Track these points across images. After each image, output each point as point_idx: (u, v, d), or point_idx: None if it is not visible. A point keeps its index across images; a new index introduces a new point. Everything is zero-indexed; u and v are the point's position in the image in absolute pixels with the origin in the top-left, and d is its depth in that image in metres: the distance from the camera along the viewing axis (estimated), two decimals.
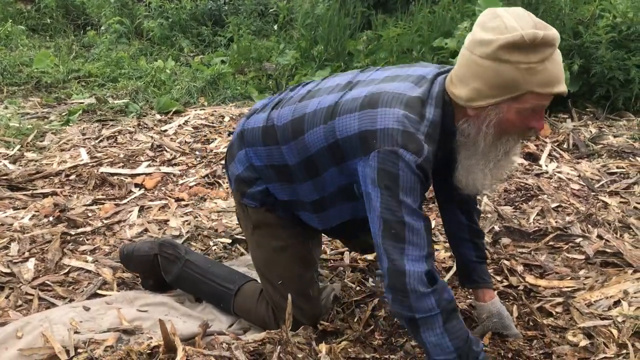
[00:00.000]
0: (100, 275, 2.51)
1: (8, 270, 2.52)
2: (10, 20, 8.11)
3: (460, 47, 4.89)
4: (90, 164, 3.75)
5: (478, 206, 2.16)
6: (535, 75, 1.53)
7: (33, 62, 6.44)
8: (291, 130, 1.85)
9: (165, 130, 4.45)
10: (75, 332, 2.06)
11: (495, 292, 2.18)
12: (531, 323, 2.21)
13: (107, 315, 2.19)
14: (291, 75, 5.60)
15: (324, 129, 1.76)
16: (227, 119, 4.68)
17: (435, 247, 2.80)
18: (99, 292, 2.41)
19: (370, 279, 2.51)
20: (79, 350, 1.96)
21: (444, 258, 2.68)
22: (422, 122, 1.65)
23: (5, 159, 3.88)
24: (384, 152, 1.61)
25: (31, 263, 2.59)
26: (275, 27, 7.05)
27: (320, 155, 1.80)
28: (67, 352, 1.95)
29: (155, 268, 2.31)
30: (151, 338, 2.01)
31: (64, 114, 4.91)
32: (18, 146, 4.10)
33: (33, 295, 2.35)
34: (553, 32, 1.54)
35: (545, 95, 1.58)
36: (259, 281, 2.17)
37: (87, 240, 2.84)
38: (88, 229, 2.94)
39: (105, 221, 3.04)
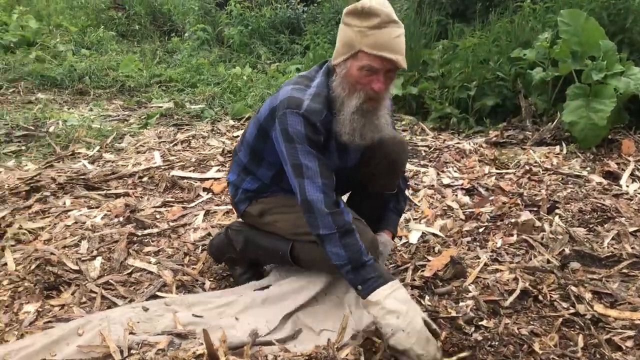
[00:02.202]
0: (161, 277, 2.58)
1: (76, 267, 2.63)
2: (102, 27, 8.56)
3: (539, 58, 4.67)
4: (163, 167, 3.87)
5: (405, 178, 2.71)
6: (365, 37, 2.01)
7: (119, 67, 6.75)
8: (241, 141, 2.47)
9: (237, 136, 4.53)
10: (131, 333, 2.12)
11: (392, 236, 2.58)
12: (598, 355, 2.08)
13: (164, 318, 2.24)
14: None
15: (253, 123, 2.36)
16: None
17: (499, 267, 2.70)
18: (159, 293, 2.47)
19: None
20: (132, 352, 2.01)
21: (507, 280, 2.57)
22: (307, 89, 2.15)
23: (85, 159, 4.08)
24: (279, 117, 2.13)
25: (98, 261, 2.69)
26: None
27: (256, 142, 2.34)
28: (121, 352, 2.01)
29: (229, 244, 2.53)
30: (202, 344, 2.04)
31: (143, 117, 5.10)
32: (97, 147, 4.29)
33: (97, 293, 2.44)
34: (383, 7, 2.01)
35: (374, 57, 2.01)
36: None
37: (153, 241, 2.93)
38: (155, 230, 3.03)
39: (171, 224, 3.13)
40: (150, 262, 2.70)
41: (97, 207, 3.33)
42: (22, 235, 2.97)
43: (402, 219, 3.28)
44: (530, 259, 2.78)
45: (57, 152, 4.22)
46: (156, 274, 2.61)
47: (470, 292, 2.51)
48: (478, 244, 3.01)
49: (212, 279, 2.62)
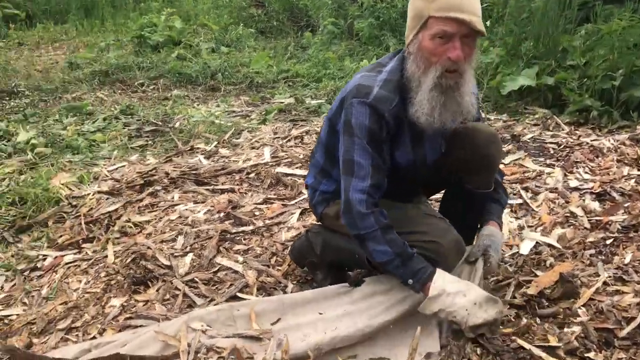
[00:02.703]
0: (245, 277, 2.53)
1: (167, 263, 2.67)
2: (242, 24, 8.86)
3: None
4: (270, 164, 3.86)
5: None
6: (433, 1, 1.88)
7: (251, 63, 6.92)
8: (318, 140, 2.39)
9: None
10: (204, 332, 2.08)
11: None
12: None
13: (241, 319, 2.16)
14: (493, 75, 5.17)
15: (326, 120, 2.26)
16: None
17: (622, 288, 2.31)
18: (239, 294, 2.43)
19: None
20: (198, 355, 1.97)
21: (629, 305, 2.18)
22: (378, 75, 2.04)
23: (201, 154, 4.19)
24: (346, 107, 2.04)
25: (189, 258, 2.71)
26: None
27: (329, 141, 2.24)
28: (189, 353, 1.97)
29: (310, 247, 2.44)
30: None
31: (263, 113, 5.16)
32: (215, 142, 4.39)
33: (180, 291, 2.45)
34: None
35: (444, 20, 1.86)
36: None
37: (245, 239, 2.90)
38: (249, 228, 3.01)
39: (267, 221, 3.08)
40: (237, 261, 2.67)
41: (202, 202, 3.39)
42: (128, 228, 3.09)
43: (515, 226, 2.97)
44: None
45: (178, 147, 4.38)
46: (240, 274, 2.58)
47: (579, 316, 2.16)
48: (602, 258, 2.62)
49: (295, 282, 2.53)
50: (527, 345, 1.97)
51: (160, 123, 4.93)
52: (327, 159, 2.30)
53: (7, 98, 6.03)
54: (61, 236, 3.04)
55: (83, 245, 2.94)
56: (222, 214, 3.19)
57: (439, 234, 2.12)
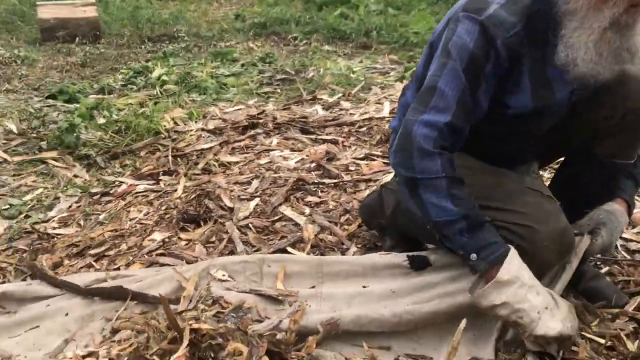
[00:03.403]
0: (301, 232, 2.17)
1: (231, 205, 2.40)
2: None
3: None
4: (387, 119, 3.42)
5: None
6: None
7: (411, 23, 6.46)
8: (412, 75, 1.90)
9: None
10: (223, 281, 1.78)
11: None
12: None
13: (269, 276, 1.83)
14: None
15: (426, 48, 1.74)
16: None
17: None
18: (289, 249, 2.08)
19: None
20: (200, 305, 1.66)
21: None
22: None
23: (321, 104, 3.87)
24: (450, 25, 1.56)
25: (254, 202, 2.42)
26: None
27: (424, 70, 1.68)
28: (191, 300, 1.68)
29: (380, 206, 2.01)
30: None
31: (403, 71, 4.70)
32: (339, 95, 4.05)
33: (227, 234, 2.16)
34: None
35: None
36: None
37: (322, 192, 2.53)
38: (333, 181, 2.62)
39: (358, 176, 2.68)
40: (302, 213, 2.32)
41: (299, 151, 3.07)
42: (213, 166, 2.88)
43: None
44: None
45: (302, 96, 4.11)
46: (300, 227, 2.22)
47: None
48: None
49: (359, 246, 2.11)
50: None
51: (293, 73, 4.70)
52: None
53: (167, 41, 6.23)
54: (146, 166, 2.92)
55: (161, 178, 2.79)
56: (313, 164, 2.84)
57: (539, 218, 1.56)
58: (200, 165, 2.87)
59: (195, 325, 1.32)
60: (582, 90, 1.62)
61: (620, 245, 2.14)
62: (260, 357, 1.08)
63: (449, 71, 1.51)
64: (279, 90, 4.36)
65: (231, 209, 2.37)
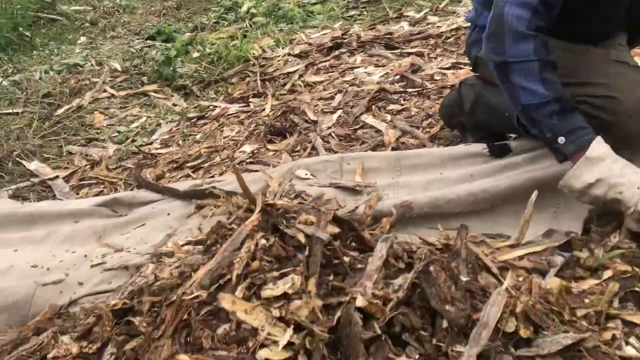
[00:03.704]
0: (382, 137, 2.22)
1: (314, 118, 2.49)
2: None
3: None
4: None
5: None
6: None
7: None
8: None
9: None
10: (306, 179, 1.88)
11: None
12: None
13: (349, 173, 1.91)
14: None
15: None
16: None
17: None
18: (369, 152, 2.14)
19: None
20: (283, 199, 1.77)
21: None
22: None
23: (407, 21, 3.81)
24: None
25: (337, 115, 2.49)
26: None
27: None
28: (275, 195, 1.79)
29: (460, 103, 2.01)
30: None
31: None
32: (427, 10, 3.96)
33: (311, 143, 2.26)
34: None
35: None
36: None
37: (405, 100, 2.54)
38: (417, 90, 2.63)
39: (443, 83, 2.66)
40: (384, 120, 2.36)
41: (383, 66, 3.08)
42: (299, 87, 2.97)
43: None
44: None
45: (389, 15, 4.06)
46: (381, 133, 2.27)
47: None
48: None
49: (441, 146, 2.13)
50: None
51: None
52: None
53: None
54: (238, 91, 3.07)
55: (251, 100, 2.92)
56: (397, 77, 2.85)
57: (623, 87, 1.50)
58: (287, 86, 2.97)
59: (271, 201, 1.43)
60: None
61: None
62: (327, 223, 1.17)
63: None
64: (365, 12, 4.32)
65: (315, 122, 2.46)
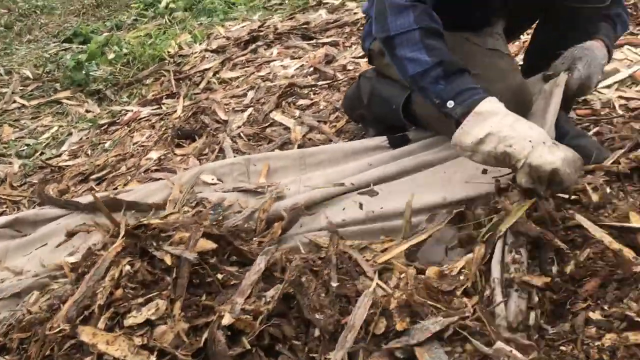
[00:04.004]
0: (288, 134, 2.20)
1: (225, 118, 2.45)
2: None
3: None
4: None
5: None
6: None
7: None
8: None
9: None
10: (211, 184, 1.86)
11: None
12: None
13: (255, 174, 1.90)
14: None
15: None
16: None
17: None
18: (276, 151, 2.12)
19: None
20: (184, 208, 1.74)
21: None
22: None
23: (326, 8, 3.79)
24: None
25: (247, 113, 2.46)
26: None
27: None
28: (176, 203, 1.76)
29: (360, 96, 1.99)
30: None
31: None
32: None
33: (218, 145, 2.22)
34: None
35: None
36: None
37: (314, 95, 2.53)
38: (327, 82, 2.62)
39: (354, 74, 2.65)
40: (293, 117, 2.34)
41: (299, 58, 3.06)
42: (214, 84, 2.92)
43: None
44: None
45: (308, 3, 4.03)
46: (289, 130, 2.25)
47: None
48: None
49: (346, 140, 2.12)
50: (586, 222, 1.32)
51: None
52: None
53: None
54: (152, 92, 3.00)
55: (164, 101, 2.86)
56: (311, 69, 2.83)
57: (492, 77, 1.53)
58: (202, 85, 2.92)
59: (145, 221, 1.40)
60: None
61: (619, 105, 2.06)
62: (196, 241, 1.15)
63: None
64: (286, 1, 4.28)
65: (226, 122, 2.42)
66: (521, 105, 1.53)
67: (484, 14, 1.67)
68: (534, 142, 1.29)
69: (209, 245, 1.20)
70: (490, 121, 1.32)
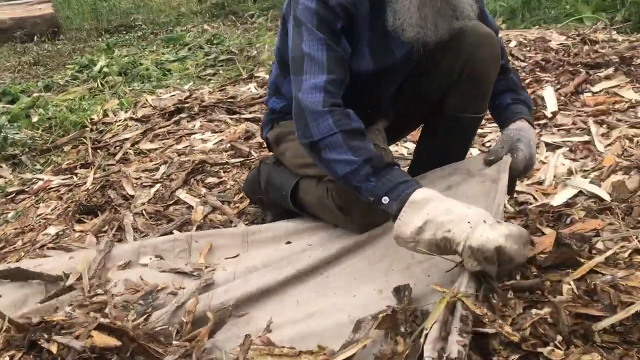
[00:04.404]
0: (189, 214, 2.21)
1: (132, 193, 2.45)
2: None
3: None
4: None
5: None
6: None
7: None
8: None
9: None
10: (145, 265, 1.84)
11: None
12: None
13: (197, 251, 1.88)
14: None
15: (280, 20, 1.78)
16: None
17: None
18: (175, 232, 2.11)
19: None
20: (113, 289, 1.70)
21: (634, 287, 1.47)
22: None
23: (257, 82, 3.87)
24: None
25: (155, 189, 2.46)
26: None
27: (280, 44, 1.79)
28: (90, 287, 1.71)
29: (258, 181, 2.04)
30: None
31: None
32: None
33: (117, 222, 2.21)
34: None
35: None
36: None
37: (224, 172, 2.56)
38: (239, 160, 2.66)
39: (266, 152, 2.70)
40: (199, 195, 2.35)
41: (220, 132, 3.10)
42: (131, 155, 2.92)
43: (564, 170, 2.26)
44: None
45: (242, 75, 4.12)
46: (190, 209, 2.26)
47: (562, 294, 1.50)
48: None
49: (246, 223, 2.14)
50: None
51: (237, 52, 4.70)
52: (280, 67, 1.86)
53: (125, 32, 6.25)
54: (67, 161, 2.97)
55: (77, 171, 2.83)
56: (229, 145, 2.87)
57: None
58: (118, 156, 2.91)
59: (48, 318, 1.37)
60: (421, 48, 1.64)
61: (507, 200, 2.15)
62: (89, 330, 1.13)
63: (306, 35, 1.54)
64: (221, 72, 4.37)
65: (132, 197, 2.41)
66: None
67: (366, 110, 1.75)
68: (473, 223, 1.29)
69: (111, 341, 1.18)
70: (427, 208, 1.34)
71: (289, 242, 1.86)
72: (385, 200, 1.41)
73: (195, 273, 1.76)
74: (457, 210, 1.32)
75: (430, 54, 1.68)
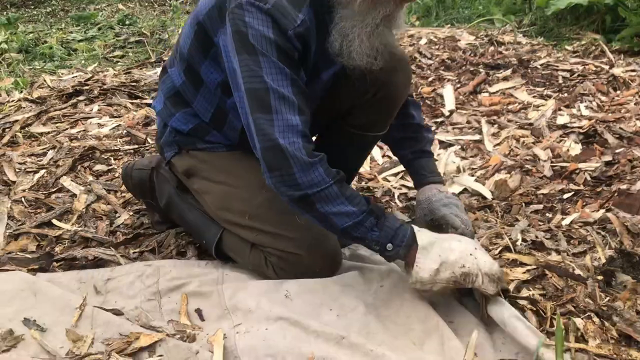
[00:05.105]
0: (71, 202, 2.11)
1: (14, 179, 2.31)
2: None
3: None
4: None
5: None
6: None
7: None
8: (175, 49, 1.69)
9: None
10: None
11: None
12: None
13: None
14: None
15: (189, 23, 1.59)
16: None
17: (525, 259, 1.65)
18: (55, 221, 2.01)
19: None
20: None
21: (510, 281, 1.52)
22: None
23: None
24: (231, 11, 1.41)
25: (39, 175, 2.34)
26: None
27: (192, 53, 1.58)
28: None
29: (152, 192, 1.91)
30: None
31: None
32: None
33: None
34: None
35: None
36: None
37: (115, 160, 2.46)
38: (134, 147, 2.57)
39: None
40: (84, 183, 2.26)
41: (118, 117, 2.99)
42: (20, 139, 2.77)
43: (453, 168, 2.32)
44: (587, 254, 1.65)
45: (150, 58, 3.99)
46: (73, 196, 2.16)
47: None
48: (548, 216, 1.93)
49: (131, 213, 2.07)
50: None
51: (148, 34, 4.55)
52: (188, 79, 1.64)
53: (32, 6, 5.93)
54: None
55: None
56: (125, 131, 2.77)
57: (309, 244, 1.60)
58: (6, 138, 2.75)
59: None
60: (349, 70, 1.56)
61: (399, 194, 2.19)
62: None
63: (267, 67, 1.39)
64: (130, 54, 4.22)
65: (14, 183, 2.28)
66: (335, 267, 1.65)
67: None
68: (474, 253, 1.42)
69: None
70: (435, 250, 1.42)
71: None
72: (389, 247, 1.44)
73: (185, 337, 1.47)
74: (456, 246, 1.43)
75: (341, 80, 1.64)
